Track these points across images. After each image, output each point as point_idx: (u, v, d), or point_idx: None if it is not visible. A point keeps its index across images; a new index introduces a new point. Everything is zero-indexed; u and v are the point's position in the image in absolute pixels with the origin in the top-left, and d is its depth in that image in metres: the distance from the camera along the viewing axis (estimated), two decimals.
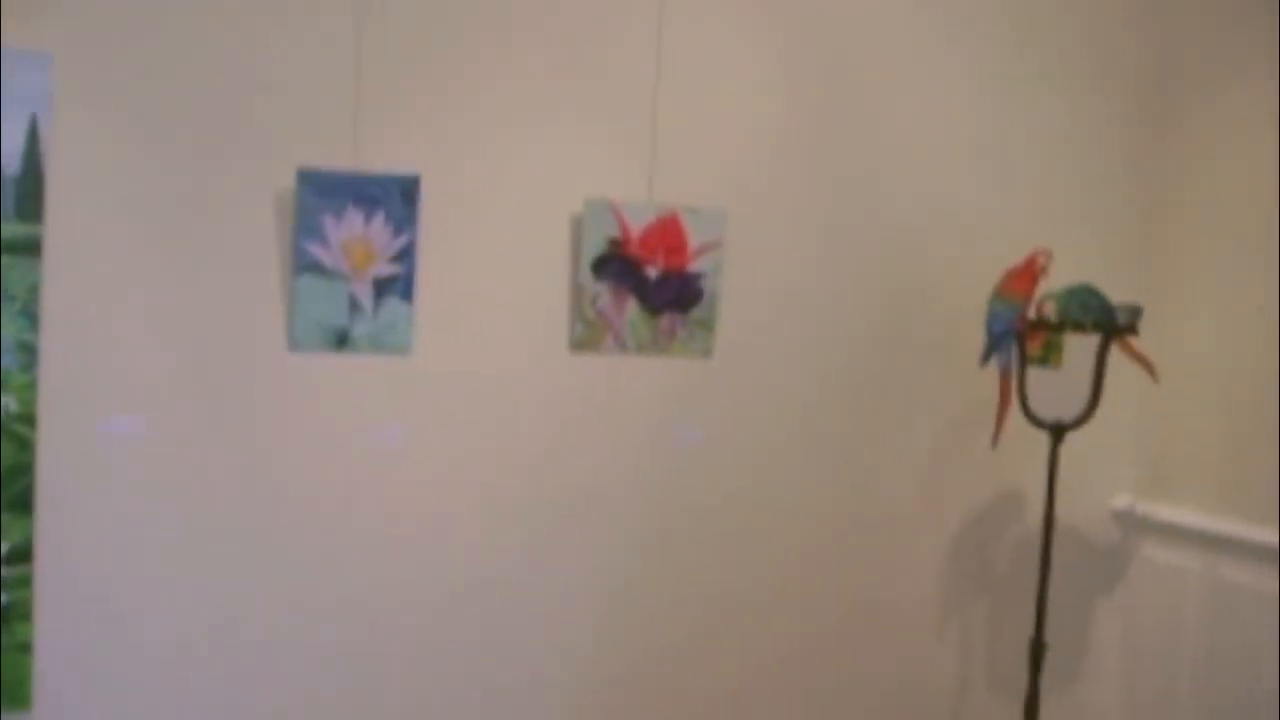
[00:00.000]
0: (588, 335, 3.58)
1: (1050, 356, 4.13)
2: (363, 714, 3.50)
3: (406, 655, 3.54)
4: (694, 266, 3.64)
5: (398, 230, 3.32)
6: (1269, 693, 3.79)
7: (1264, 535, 3.88)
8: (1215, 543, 4.07)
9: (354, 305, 3.31)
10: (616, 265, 3.55)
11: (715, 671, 3.91)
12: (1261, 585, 3.88)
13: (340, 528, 3.42)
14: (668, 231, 3.60)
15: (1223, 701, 4.01)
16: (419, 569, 3.53)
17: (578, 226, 3.55)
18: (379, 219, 3.30)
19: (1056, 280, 3.86)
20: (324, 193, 3.23)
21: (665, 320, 3.64)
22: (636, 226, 3.56)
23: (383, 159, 3.33)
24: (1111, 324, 3.79)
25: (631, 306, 3.59)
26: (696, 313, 3.68)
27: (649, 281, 3.60)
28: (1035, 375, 4.03)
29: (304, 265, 3.25)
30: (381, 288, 3.33)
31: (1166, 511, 4.30)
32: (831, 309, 3.98)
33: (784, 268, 3.90)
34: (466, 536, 3.58)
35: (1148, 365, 3.93)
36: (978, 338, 3.91)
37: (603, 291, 3.55)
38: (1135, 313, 3.81)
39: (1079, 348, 3.93)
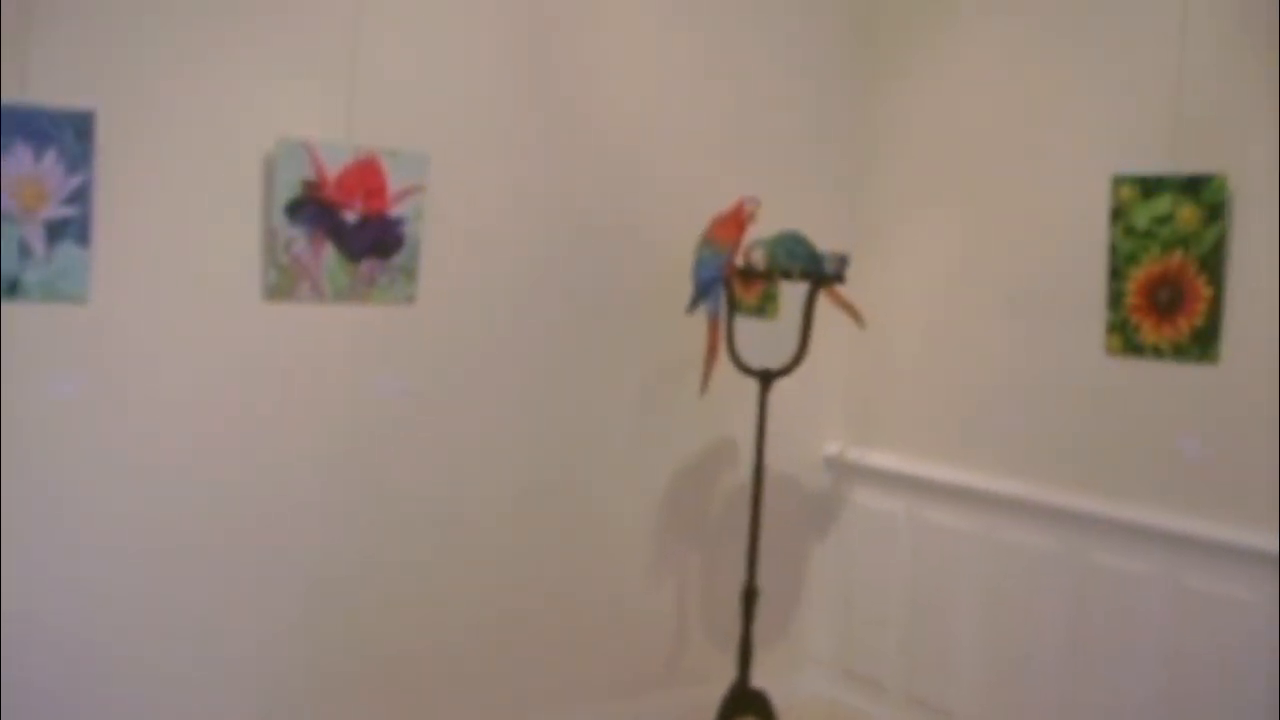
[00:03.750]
0: (282, 282, 3.71)
1: (767, 307, 4.58)
2: None
3: (60, 639, 3.51)
4: (395, 211, 3.85)
5: (71, 169, 3.37)
6: (969, 624, 4.44)
7: (962, 478, 4.48)
8: (919, 485, 4.64)
9: (24, 249, 3.33)
10: (312, 209, 3.71)
11: (425, 633, 4.13)
12: (960, 525, 4.47)
13: (9, 484, 3.40)
14: (367, 174, 3.79)
15: (928, 636, 4.64)
16: (93, 533, 3.53)
17: (270, 168, 3.67)
18: (50, 156, 3.33)
19: (766, 228, 4.26)
20: None
21: (365, 266, 3.82)
22: (333, 169, 3.73)
23: (55, 92, 3.35)
24: (819, 272, 4.23)
25: (329, 252, 3.76)
26: (398, 259, 3.88)
27: (347, 226, 3.77)
28: (751, 325, 4.45)
29: None
30: (55, 231, 3.37)
31: (875, 456, 4.87)
32: (540, 257, 4.26)
33: (491, 214, 4.15)
34: (148, 496, 3.60)
35: (855, 313, 4.40)
36: (689, 285, 4.26)
37: (298, 237, 3.70)
38: (843, 261, 4.25)
39: (794, 298, 4.36)
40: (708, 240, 4.21)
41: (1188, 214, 3.81)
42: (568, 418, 4.37)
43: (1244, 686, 3.69)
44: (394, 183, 3.84)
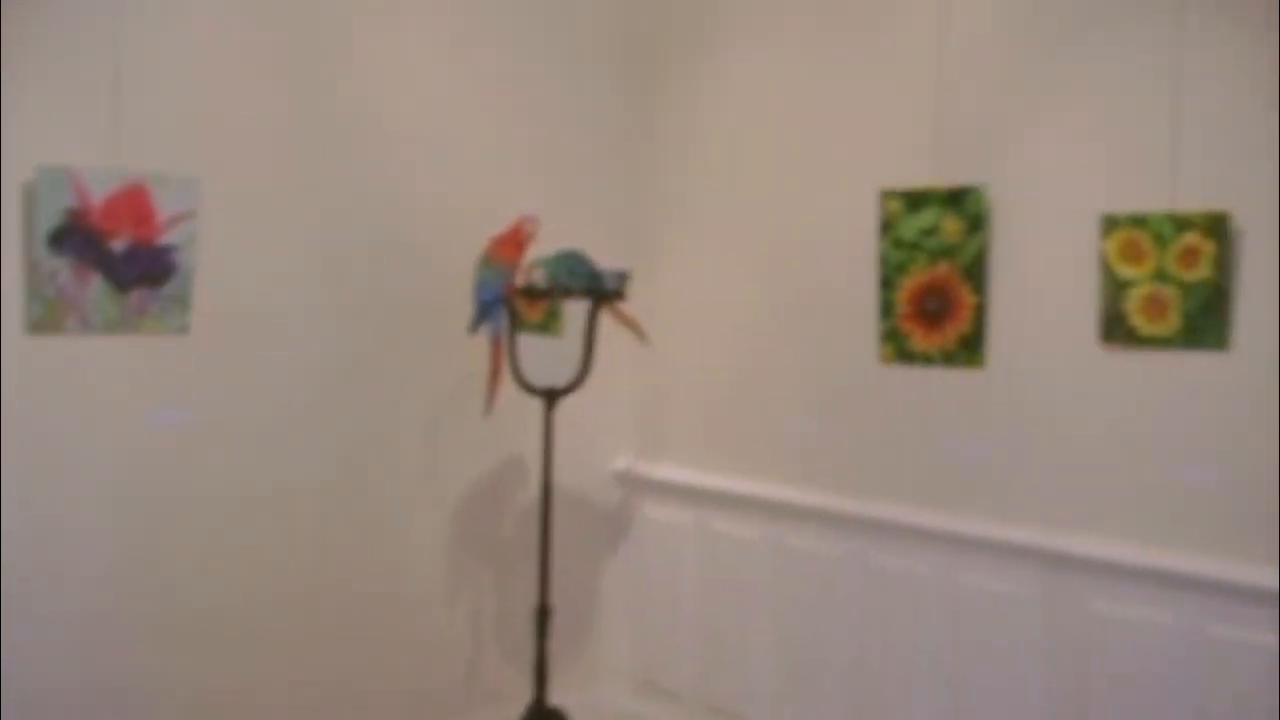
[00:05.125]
0: (47, 316, 3.68)
1: (551, 325, 4.71)
2: None
3: None
4: (165, 238, 3.85)
5: None
6: (762, 631, 4.67)
7: (748, 487, 4.73)
8: (707, 496, 4.86)
9: None
10: (77, 239, 3.68)
11: (218, 660, 4.12)
12: (749, 534, 4.69)
13: None
14: (134, 201, 3.78)
15: (723, 644, 4.85)
16: None
17: (30, 197, 3.64)
18: None
19: (548, 246, 4.41)
20: None
21: (135, 297, 3.81)
22: (98, 196, 3.72)
23: None
24: (600, 289, 4.38)
25: (96, 283, 3.74)
26: (170, 288, 3.88)
27: (115, 255, 3.76)
28: (536, 343, 4.58)
29: None
30: None
31: (663, 470, 5.07)
32: (320, 281, 4.31)
33: (269, 238, 4.18)
34: None
35: (637, 329, 4.58)
36: (470, 306, 4.38)
37: (62, 268, 3.68)
38: (623, 278, 4.42)
39: (580, 315, 4.51)
40: (487, 260, 4.33)
41: (951, 226, 4.10)
42: (353, 442, 4.43)
43: (1017, 675, 3.98)
44: (163, 209, 3.84)
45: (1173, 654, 3.68)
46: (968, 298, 4.08)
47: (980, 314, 4.07)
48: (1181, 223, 3.63)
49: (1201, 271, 3.61)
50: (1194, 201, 3.63)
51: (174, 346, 3.96)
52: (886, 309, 4.27)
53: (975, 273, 4.07)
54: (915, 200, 4.18)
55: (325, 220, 4.30)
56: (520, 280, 4.34)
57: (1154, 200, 3.70)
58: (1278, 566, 3.50)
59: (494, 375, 4.36)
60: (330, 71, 4.30)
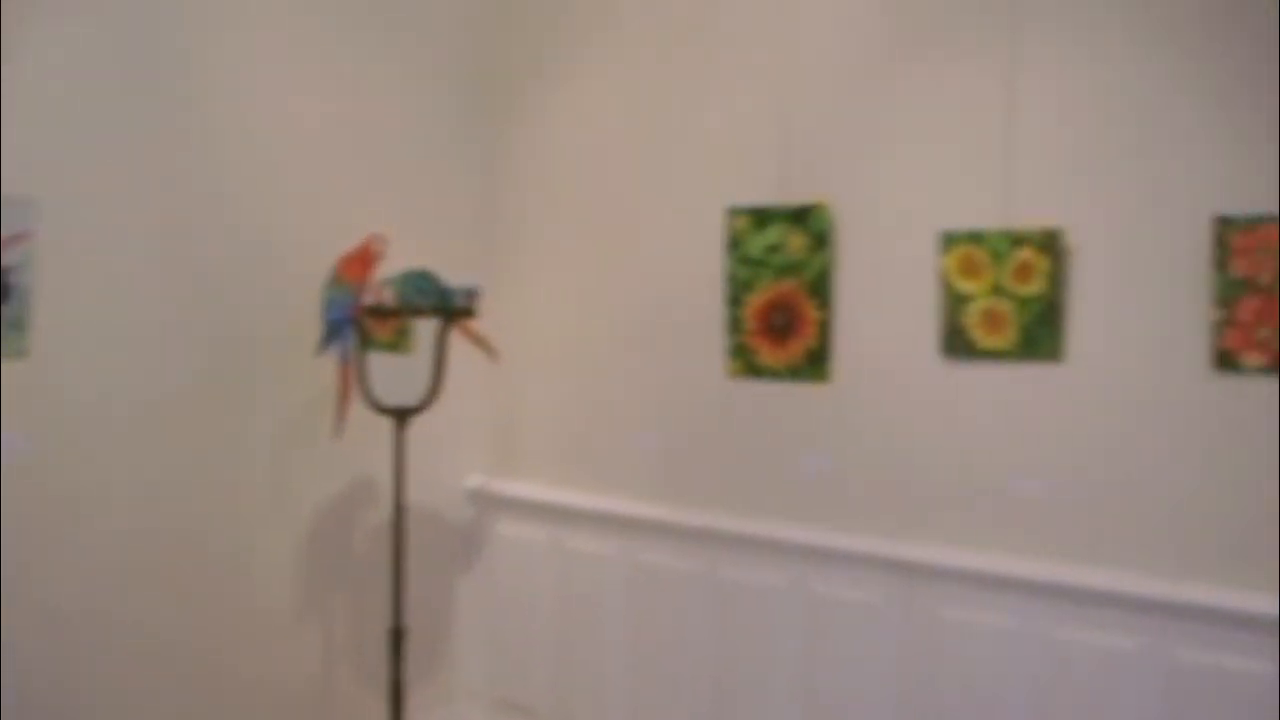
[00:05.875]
0: None
1: (401, 343, 4.69)
2: None
3: None
4: (1, 260, 3.74)
5: None
6: (617, 647, 4.73)
7: (602, 503, 4.76)
8: (561, 513, 4.88)
9: None
10: None
11: (58, 686, 4.01)
12: (603, 550, 4.72)
13: None
14: None
15: (578, 661, 4.87)
16: None
17: None
18: None
19: (398, 265, 4.39)
20: None
21: None
22: None
23: None
24: (450, 307, 4.38)
25: None
26: (7, 311, 3.77)
27: None
28: (386, 361, 4.55)
29: None
30: None
31: (517, 487, 5.07)
32: (164, 302, 4.21)
33: (113, 259, 4.07)
34: None
35: (487, 347, 4.58)
36: (319, 326, 4.34)
37: None
38: (473, 295, 4.41)
39: (430, 334, 4.49)
40: (335, 280, 4.30)
41: (796, 242, 4.17)
42: (199, 466, 4.34)
43: (870, 683, 4.07)
44: None
45: (1020, 656, 3.79)
46: (813, 313, 4.16)
47: (825, 329, 4.15)
48: (1017, 239, 3.75)
49: (1036, 286, 3.73)
50: (1028, 218, 3.74)
51: (13, 372, 3.84)
52: (734, 325, 4.34)
53: (820, 289, 4.15)
54: (761, 218, 4.25)
55: (171, 240, 4.21)
56: (369, 299, 4.30)
57: (990, 217, 3.82)
58: (1116, 569, 3.64)
59: (343, 395, 4.31)
60: (179, 93, 4.21)
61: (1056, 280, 3.70)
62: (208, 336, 4.33)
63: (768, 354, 4.27)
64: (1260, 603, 3.42)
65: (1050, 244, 3.70)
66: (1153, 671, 3.57)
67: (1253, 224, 3.40)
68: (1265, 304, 3.40)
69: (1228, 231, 3.44)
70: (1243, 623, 3.43)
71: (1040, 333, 3.74)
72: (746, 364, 4.32)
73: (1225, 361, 3.47)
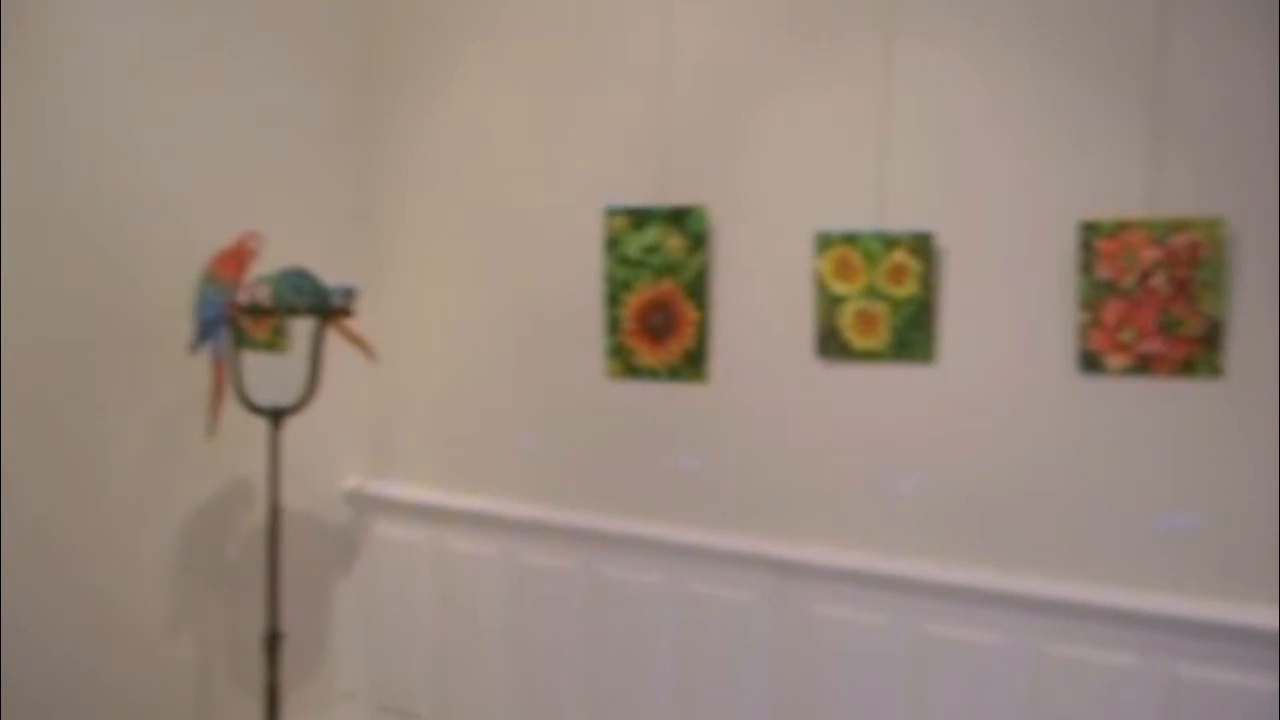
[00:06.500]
0: None
1: (278, 342, 4.63)
2: None
3: None
4: None
5: None
6: (498, 648, 4.73)
7: (482, 504, 4.75)
8: (440, 514, 4.85)
9: None
10: None
11: None
12: (483, 551, 4.72)
13: None
14: None
15: (459, 663, 4.86)
16: None
17: None
18: None
19: (275, 263, 4.33)
20: None
21: None
22: None
23: None
24: (326, 306, 4.34)
25: None
26: None
27: None
28: (262, 361, 4.48)
29: None
30: None
31: (395, 488, 5.04)
32: (35, 302, 4.10)
33: None
34: None
35: (364, 346, 4.54)
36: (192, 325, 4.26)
37: None
38: (350, 294, 4.38)
39: (307, 333, 4.43)
40: (209, 278, 4.23)
41: (674, 243, 4.20)
42: (69, 469, 4.24)
43: (747, 680, 4.10)
44: None
45: (891, 652, 3.88)
46: (691, 314, 4.19)
47: (703, 330, 4.18)
48: (890, 242, 3.81)
49: (909, 288, 3.79)
50: (902, 221, 3.81)
51: None
52: (613, 325, 4.35)
53: (698, 289, 4.18)
54: (639, 218, 4.27)
55: (39, 237, 4.11)
56: (244, 298, 4.24)
57: (865, 220, 3.88)
58: (983, 567, 3.71)
59: (217, 395, 4.25)
60: (39, 86, 4.11)
61: (929, 283, 3.77)
62: (78, 336, 4.24)
63: (646, 354, 4.29)
64: (1129, 598, 3.51)
65: (923, 247, 3.77)
66: (1020, 668, 3.65)
67: (1116, 229, 3.48)
68: (1128, 307, 3.48)
69: (1093, 236, 3.52)
70: (1128, 619, 3.53)
71: (913, 334, 3.80)
72: (625, 364, 4.34)
73: (1090, 363, 3.55)
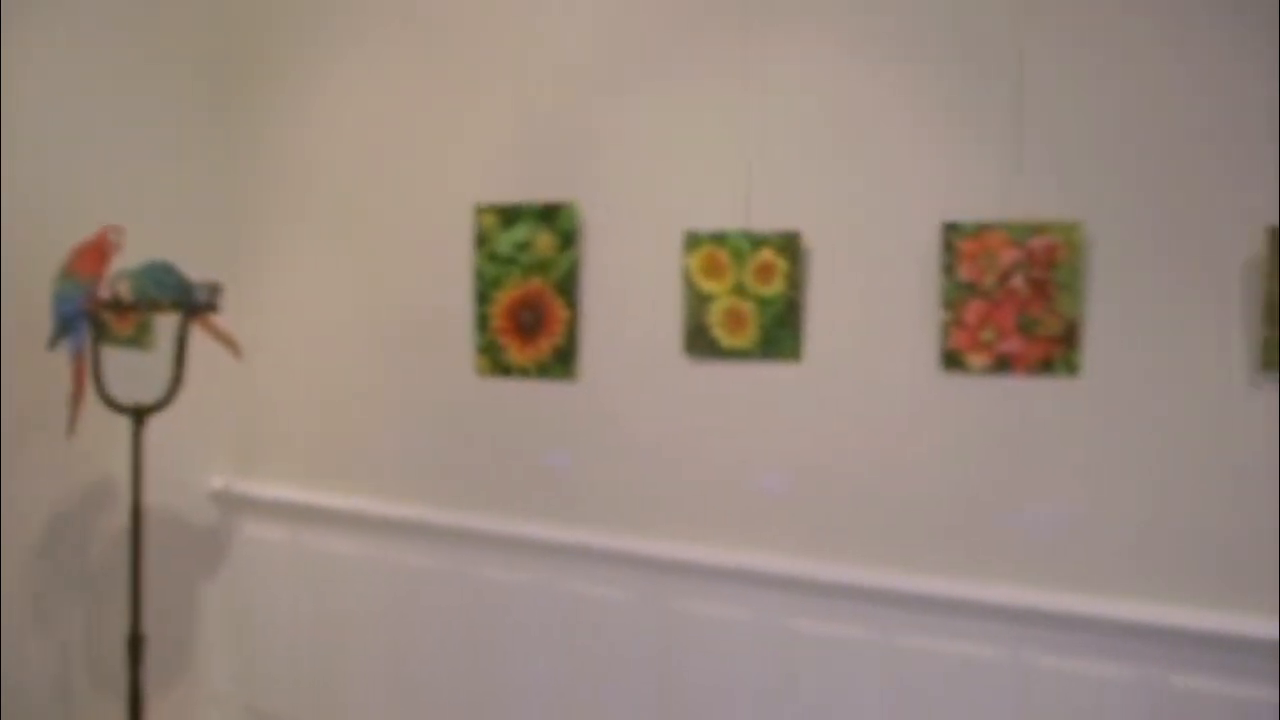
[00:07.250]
0: None
1: (142, 338, 4.55)
2: None
3: None
4: None
5: None
6: (369, 649, 4.70)
7: (351, 503, 4.71)
8: (308, 513, 4.80)
9: None
10: None
11: None
12: (352, 550, 4.68)
13: None
14: None
15: (329, 664, 4.81)
16: None
17: None
18: None
19: (138, 257, 4.26)
20: None
21: None
22: None
23: None
24: (190, 302, 4.26)
25: None
26: None
27: None
28: (125, 357, 4.40)
29: None
30: None
31: (263, 488, 4.97)
32: None
33: None
34: None
35: (230, 343, 4.47)
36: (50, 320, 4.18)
37: None
38: (215, 290, 4.31)
39: (171, 329, 4.36)
40: (67, 272, 4.14)
41: (544, 241, 4.20)
42: None
43: (621, 678, 4.12)
44: None
45: (758, 648, 3.91)
46: (561, 311, 4.19)
47: (573, 327, 4.19)
48: (757, 241, 3.84)
49: (776, 287, 3.82)
50: (769, 221, 3.84)
51: None
52: (482, 322, 4.34)
53: (568, 287, 4.18)
54: (509, 215, 4.26)
55: None
56: (104, 293, 4.16)
57: (732, 219, 3.91)
58: (852, 563, 3.76)
59: (76, 392, 4.16)
60: None
61: (795, 281, 3.80)
62: None
63: (516, 352, 4.28)
64: (998, 594, 3.58)
65: (789, 246, 3.80)
66: (886, 663, 3.71)
67: (977, 231, 3.54)
68: (989, 307, 3.54)
69: (955, 237, 3.57)
70: (987, 612, 3.59)
71: (780, 333, 3.83)
72: (495, 362, 4.32)
73: (952, 361, 3.61)
